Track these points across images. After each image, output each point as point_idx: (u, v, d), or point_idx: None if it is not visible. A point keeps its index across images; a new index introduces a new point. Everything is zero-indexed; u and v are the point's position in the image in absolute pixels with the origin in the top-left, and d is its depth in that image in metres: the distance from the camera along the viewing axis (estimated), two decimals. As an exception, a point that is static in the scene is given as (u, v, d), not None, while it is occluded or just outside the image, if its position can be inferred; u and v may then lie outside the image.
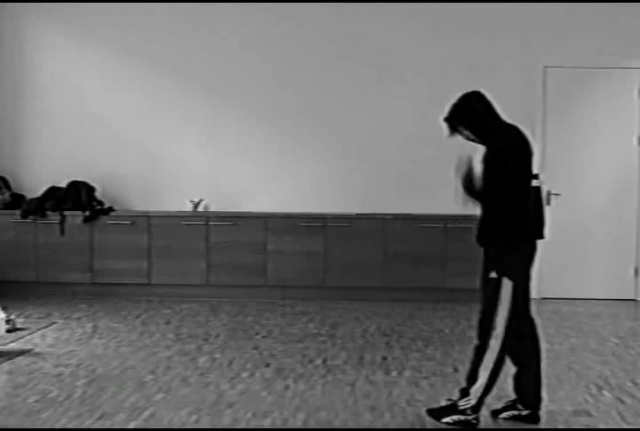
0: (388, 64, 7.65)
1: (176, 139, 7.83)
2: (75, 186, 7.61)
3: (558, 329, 6.21)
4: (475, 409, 3.77)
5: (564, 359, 5.23)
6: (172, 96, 7.80)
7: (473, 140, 3.95)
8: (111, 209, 7.57)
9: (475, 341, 3.85)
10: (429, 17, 7.65)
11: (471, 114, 3.93)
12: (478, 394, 3.76)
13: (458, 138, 4.02)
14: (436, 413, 3.83)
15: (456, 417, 3.77)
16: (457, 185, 3.79)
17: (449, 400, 3.86)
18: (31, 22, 7.83)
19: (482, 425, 3.82)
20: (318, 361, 5.06)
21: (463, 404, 3.78)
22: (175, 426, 3.80)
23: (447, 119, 3.98)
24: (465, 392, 3.80)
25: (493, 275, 3.74)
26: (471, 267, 7.44)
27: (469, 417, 3.77)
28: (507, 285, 3.73)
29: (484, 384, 3.75)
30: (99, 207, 7.54)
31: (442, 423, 3.78)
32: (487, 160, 3.76)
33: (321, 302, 7.23)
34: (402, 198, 7.64)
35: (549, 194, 7.63)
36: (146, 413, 3.95)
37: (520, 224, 3.75)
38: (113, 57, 7.79)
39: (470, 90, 4.02)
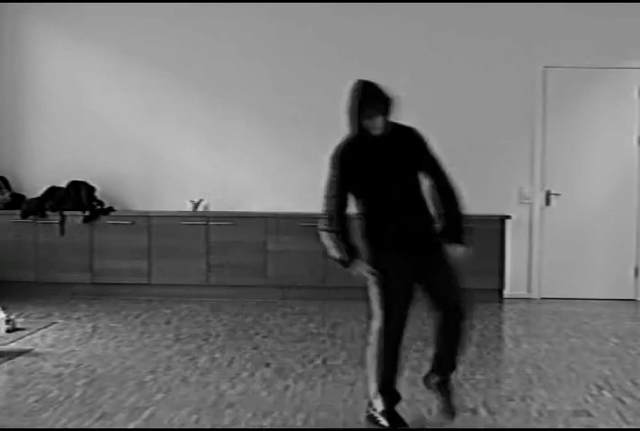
0: (388, 64, 7.65)
1: (176, 139, 7.83)
2: (75, 186, 7.61)
3: (558, 329, 6.20)
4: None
5: (564, 359, 5.22)
6: (172, 96, 7.80)
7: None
8: (111, 209, 7.57)
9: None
10: (429, 17, 7.64)
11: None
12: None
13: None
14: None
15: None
16: None
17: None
18: (31, 22, 7.84)
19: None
20: (318, 361, 5.06)
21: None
22: (175, 426, 3.80)
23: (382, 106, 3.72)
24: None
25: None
26: (470, 267, 7.52)
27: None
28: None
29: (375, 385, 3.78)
30: (99, 207, 7.54)
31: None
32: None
33: (321, 302, 7.23)
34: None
35: (549, 194, 7.64)
36: (146, 413, 3.95)
37: None
38: (113, 57, 7.79)
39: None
